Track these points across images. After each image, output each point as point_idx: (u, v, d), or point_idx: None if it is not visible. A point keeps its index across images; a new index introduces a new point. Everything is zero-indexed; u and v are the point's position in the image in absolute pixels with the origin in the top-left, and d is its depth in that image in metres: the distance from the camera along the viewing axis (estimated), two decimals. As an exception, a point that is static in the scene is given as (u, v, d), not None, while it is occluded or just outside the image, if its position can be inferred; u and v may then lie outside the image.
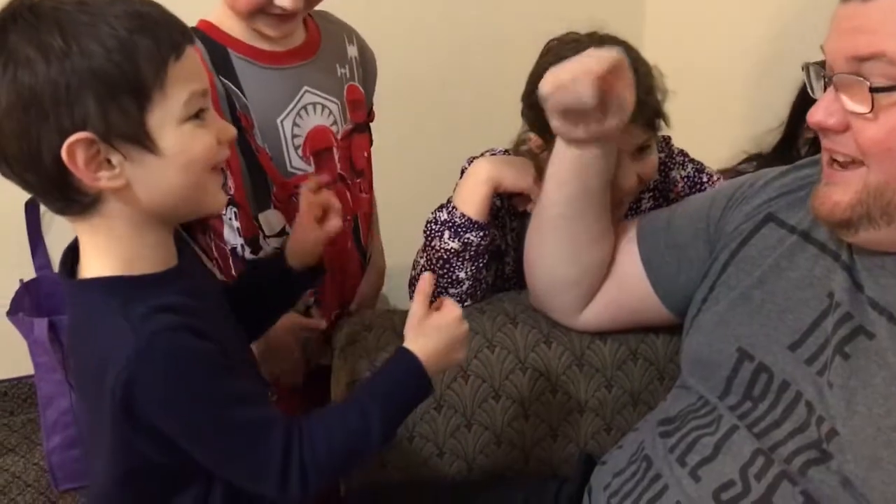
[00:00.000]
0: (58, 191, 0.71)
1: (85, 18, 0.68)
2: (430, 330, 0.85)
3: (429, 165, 1.56)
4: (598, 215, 1.01)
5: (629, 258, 1.04)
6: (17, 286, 1.73)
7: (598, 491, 0.96)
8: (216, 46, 1.06)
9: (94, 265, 0.75)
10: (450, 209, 1.12)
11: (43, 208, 1.78)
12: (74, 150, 0.68)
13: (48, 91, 0.66)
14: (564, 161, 0.98)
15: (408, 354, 0.83)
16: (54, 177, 0.69)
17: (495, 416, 1.07)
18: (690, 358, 0.98)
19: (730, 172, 1.52)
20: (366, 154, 1.23)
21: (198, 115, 0.73)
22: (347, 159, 1.18)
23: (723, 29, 1.84)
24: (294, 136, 1.11)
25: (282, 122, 1.10)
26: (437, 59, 1.95)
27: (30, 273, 1.77)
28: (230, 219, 1.11)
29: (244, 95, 1.07)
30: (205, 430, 0.73)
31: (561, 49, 1.06)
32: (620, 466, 0.95)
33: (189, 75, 0.72)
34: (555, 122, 0.94)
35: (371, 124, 1.27)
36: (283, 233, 1.13)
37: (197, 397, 0.72)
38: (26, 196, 1.77)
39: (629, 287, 1.04)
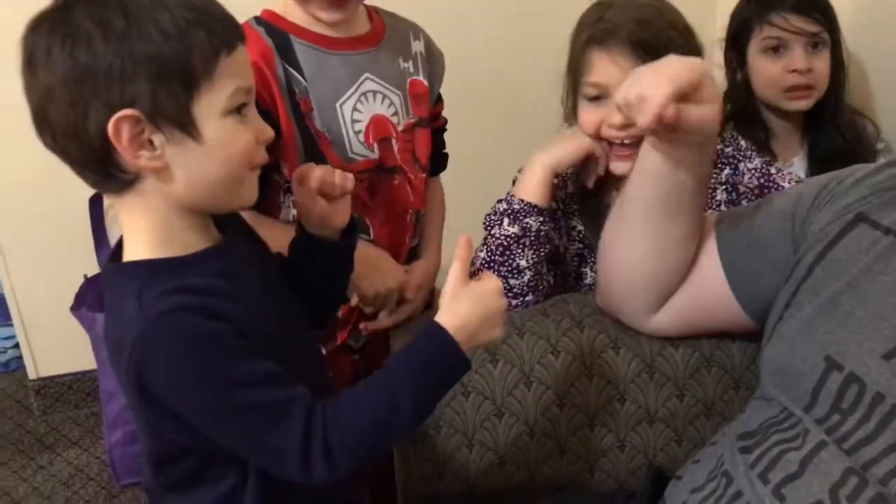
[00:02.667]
0: (97, 164, 0.73)
1: (147, 3, 0.70)
2: (465, 299, 0.80)
3: (485, 165, 1.54)
4: (691, 214, 0.95)
5: (707, 258, 0.98)
6: (81, 281, 1.75)
7: (672, 508, 0.90)
8: (278, 32, 1.07)
9: (129, 248, 0.78)
10: (508, 198, 1.12)
11: (107, 203, 1.81)
12: (120, 125, 0.70)
13: (103, 68, 0.69)
14: (656, 156, 0.92)
15: (437, 329, 0.79)
16: (97, 150, 0.71)
17: (559, 424, 1.02)
18: (772, 367, 0.91)
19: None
20: (426, 150, 1.21)
21: (240, 111, 0.75)
22: (410, 152, 1.17)
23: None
24: (354, 122, 1.10)
25: (341, 105, 1.09)
26: (495, 57, 1.91)
27: (94, 268, 1.79)
28: (288, 206, 1.11)
29: (304, 79, 1.07)
30: (217, 410, 0.73)
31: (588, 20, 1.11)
32: (698, 483, 0.89)
33: (237, 71, 0.75)
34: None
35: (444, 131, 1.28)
36: None
37: (204, 377, 0.71)
38: (90, 191, 1.79)
39: (707, 288, 0.98)
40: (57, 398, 2.02)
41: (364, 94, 1.11)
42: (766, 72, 1.48)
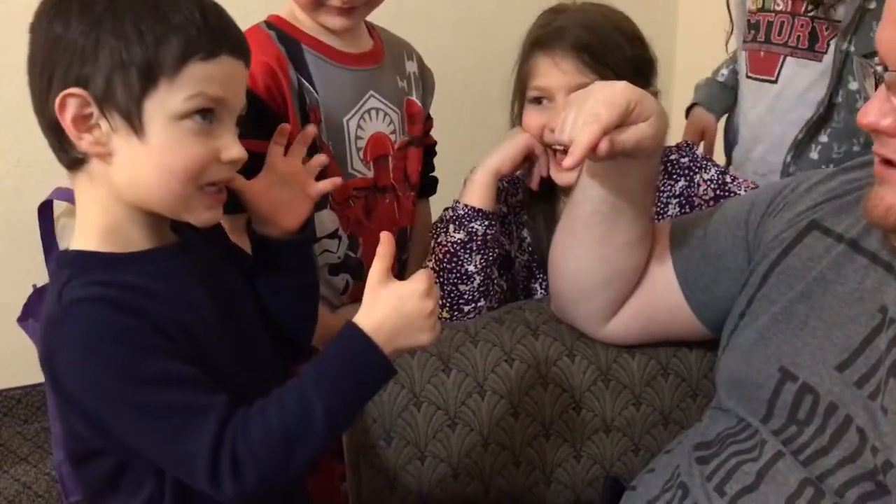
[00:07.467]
0: (54, 134, 0.74)
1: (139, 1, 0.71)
2: (385, 298, 0.76)
3: (453, 168, 1.53)
4: (636, 217, 0.94)
5: (661, 266, 0.97)
6: (29, 292, 1.70)
7: (627, 519, 0.89)
8: (289, 39, 1.05)
9: (77, 236, 0.77)
10: (454, 205, 1.13)
11: (57, 212, 1.76)
12: (66, 102, 0.71)
13: (69, 44, 0.71)
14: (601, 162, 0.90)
15: (353, 329, 0.75)
16: (52, 121, 0.73)
17: (514, 434, 1.00)
18: (727, 378, 0.90)
19: None
20: (418, 169, 1.21)
21: (203, 118, 0.73)
22: (402, 170, 1.17)
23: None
24: (357, 139, 1.10)
25: (347, 121, 1.09)
26: (459, 58, 1.91)
27: (43, 278, 1.74)
28: None
29: (315, 91, 1.06)
30: (124, 407, 0.70)
31: (537, 30, 1.11)
32: (654, 493, 0.88)
33: (209, 79, 0.73)
34: None
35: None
36: (335, 235, 1.11)
37: (109, 370, 0.69)
38: (40, 199, 1.74)
39: (660, 297, 0.97)
40: (5, 413, 1.95)
41: (368, 111, 1.11)
42: None
